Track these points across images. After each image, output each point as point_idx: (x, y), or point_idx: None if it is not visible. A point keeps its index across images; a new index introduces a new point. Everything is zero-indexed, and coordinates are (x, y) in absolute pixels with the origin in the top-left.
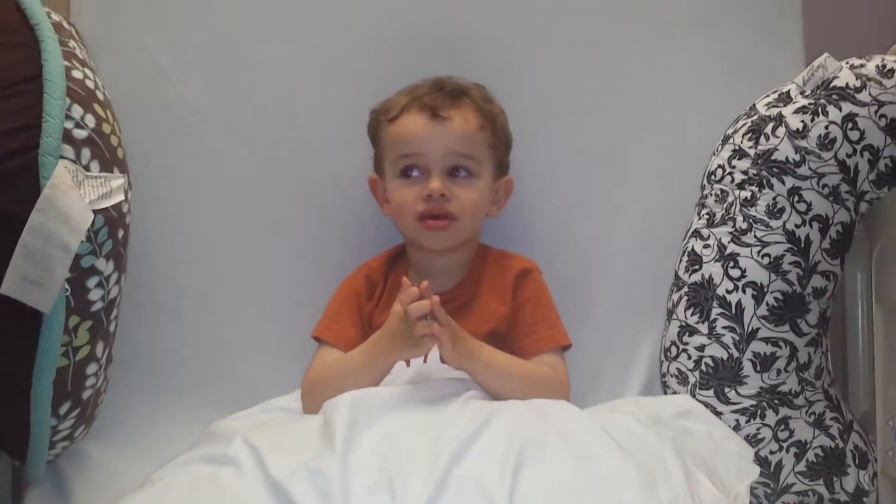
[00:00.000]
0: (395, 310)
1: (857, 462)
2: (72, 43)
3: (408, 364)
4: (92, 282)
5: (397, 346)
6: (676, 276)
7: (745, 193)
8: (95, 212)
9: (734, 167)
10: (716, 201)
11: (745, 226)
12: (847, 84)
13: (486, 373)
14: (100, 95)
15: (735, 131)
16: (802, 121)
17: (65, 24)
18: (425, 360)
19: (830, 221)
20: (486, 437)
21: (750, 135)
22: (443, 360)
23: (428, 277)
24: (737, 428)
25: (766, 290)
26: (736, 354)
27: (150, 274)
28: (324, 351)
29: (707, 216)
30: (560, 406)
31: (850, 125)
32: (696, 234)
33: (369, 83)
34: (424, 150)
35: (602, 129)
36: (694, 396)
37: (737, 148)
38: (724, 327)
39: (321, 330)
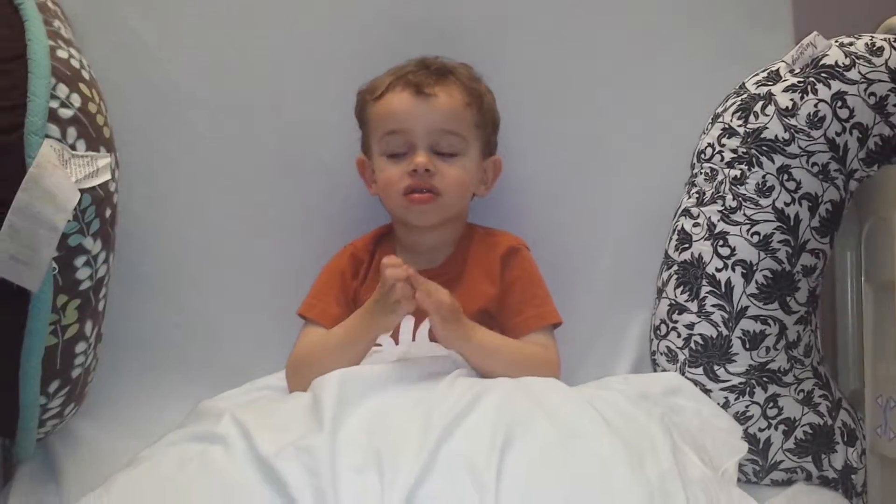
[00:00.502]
0: (383, 264)
1: (845, 439)
2: (56, 22)
3: (396, 342)
4: (80, 261)
5: (374, 315)
6: (666, 255)
7: (735, 172)
8: (82, 191)
9: (724, 146)
10: (705, 180)
11: (734, 204)
12: (836, 62)
13: (479, 354)
14: (85, 75)
15: (724, 110)
16: (792, 99)
17: (49, 3)
18: (414, 338)
19: (820, 200)
20: (474, 415)
21: (739, 113)
22: (433, 340)
23: (415, 255)
24: (726, 405)
25: (755, 268)
26: (725, 332)
27: (139, 253)
28: (308, 329)
29: (697, 195)
30: (548, 383)
31: (839, 103)
32: (686, 212)
33: (357, 65)
34: (409, 126)
35: (592, 111)
36: (683, 374)
37: (726, 126)
38: (714, 305)
39: (305, 308)
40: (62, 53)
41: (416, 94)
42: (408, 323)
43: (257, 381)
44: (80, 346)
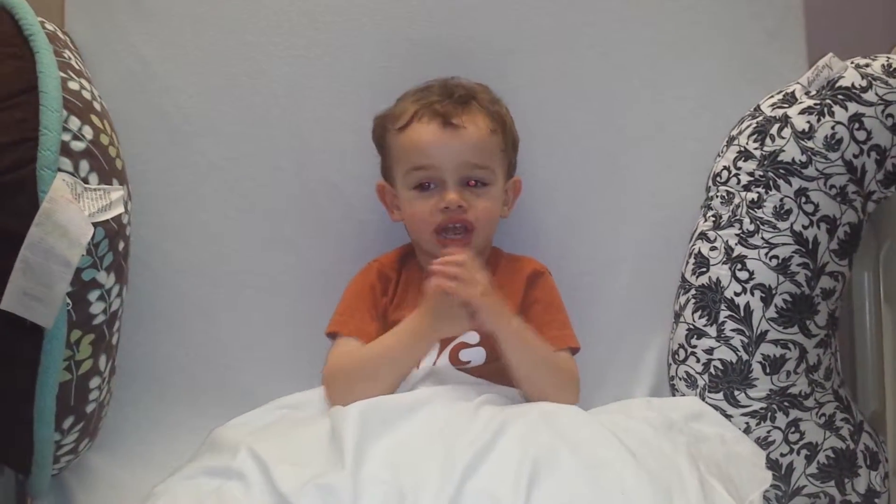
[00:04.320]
0: (428, 289)
1: (868, 463)
2: (67, 53)
3: (417, 366)
4: (93, 295)
5: (439, 321)
6: (683, 279)
7: (752, 195)
8: (95, 224)
9: (740, 169)
10: (722, 203)
11: (752, 227)
12: (853, 84)
13: (515, 340)
14: (97, 106)
15: (740, 132)
16: (808, 121)
17: (59, 33)
18: (435, 362)
19: (838, 222)
20: (498, 450)
21: (755, 136)
22: (455, 364)
23: None
24: (747, 431)
25: (774, 291)
26: (745, 357)
27: (152, 284)
28: (345, 342)
29: (713, 218)
30: (570, 413)
31: (856, 125)
32: (703, 236)
33: (371, 89)
34: (438, 162)
35: (607, 133)
36: (703, 400)
37: (742, 149)
38: (733, 330)
39: (338, 325)
40: (73, 85)
41: (443, 126)
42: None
43: (274, 402)
44: (95, 381)
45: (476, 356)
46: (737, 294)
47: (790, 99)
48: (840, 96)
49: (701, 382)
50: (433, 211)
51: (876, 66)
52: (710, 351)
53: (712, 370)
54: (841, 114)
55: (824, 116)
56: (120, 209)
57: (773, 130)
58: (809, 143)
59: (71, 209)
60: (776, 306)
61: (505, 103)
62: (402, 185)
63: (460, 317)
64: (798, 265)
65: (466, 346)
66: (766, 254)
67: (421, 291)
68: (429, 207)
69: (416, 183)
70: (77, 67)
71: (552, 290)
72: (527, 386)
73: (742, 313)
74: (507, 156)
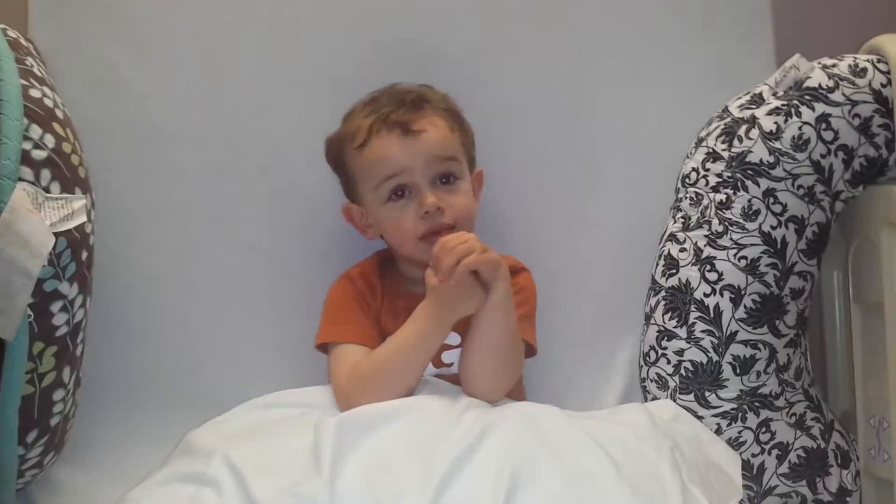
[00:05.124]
0: (430, 282)
1: (839, 462)
2: (29, 60)
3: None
4: (56, 306)
5: (459, 300)
6: (653, 281)
7: (720, 196)
8: (57, 234)
9: (708, 170)
10: (691, 205)
11: (720, 229)
12: (820, 84)
13: (503, 303)
14: (59, 114)
15: (708, 134)
16: (776, 122)
17: (22, 40)
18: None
19: (806, 222)
20: (477, 458)
21: (723, 137)
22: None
23: (421, 286)
24: (718, 432)
25: (743, 292)
26: (715, 358)
27: (119, 293)
28: (348, 349)
29: (682, 220)
30: (554, 415)
31: (823, 125)
32: (672, 237)
33: (341, 94)
34: (407, 167)
35: (576, 135)
36: (674, 401)
37: (710, 151)
38: (703, 331)
39: (336, 334)
40: (35, 93)
41: (404, 135)
42: None
43: (249, 402)
44: (59, 394)
45: (457, 358)
46: (706, 295)
47: (758, 100)
48: (807, 97)
49: (672, 384)
50: (415, 220)
51: (843, 67)
52: (680, 352)
53: (683, 371)
54: (808, 114)
55: (791, 117)
56: (82, 218)
57: (741, 131)
58: (777, 144)
59: (32, 219)
60: (745, 307)
61: (472, 105)
62: (374, 200)
63: (477, 292)
64: (767, 265)
65: (449, 347)
66: (735, 255)
67: (410, 298)
68: (410, 216)
69: (390, 193)
70: (39, 75)
71: (529, 285)
72: (481, 362)
73: (712, 314)
74: (468, 149)
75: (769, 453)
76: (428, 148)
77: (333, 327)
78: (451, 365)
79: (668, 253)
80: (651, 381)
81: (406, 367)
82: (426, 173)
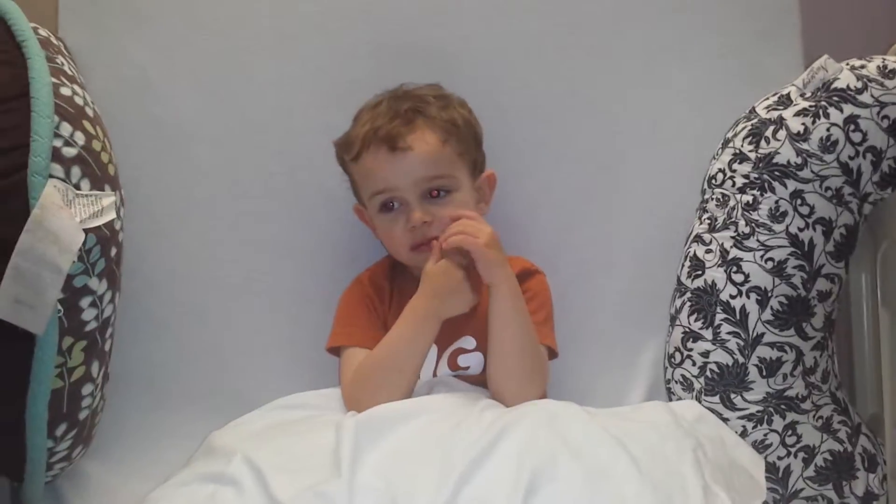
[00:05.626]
0: (427, 270)
1: (866, 465)
2: (60, 59)
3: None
4: (85, 301)
5: (444, 297)
6: (679, 282)
7: (747, 197)
8: (87, 231)
9: (735, 171)
10: (717, 206)
11: (747, 230)
12: (848, 85)
13: (510, 299)
14: (89, 112)
15: (735, 135)
16: (803, 123)
17: (52, 39)
18: (435, 374)
19: (834, 224)
20: (496, 456)
21: (750, 138)
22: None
23: None
24: (744, 434)
25: (770, 294)
26: (741, 360)
27: (146, 289)
28: (354, 353)
29: (708, 221)
30: (573, 412)
31: (851, 127)
32: (698, 238)
33: (362, 94)
34: (394, 184)
35: (600, 134)
36: (700, 402)
37: (737, 152)
38: (729, 333)
39: (341, 337)
40: (65, 91)
41: (391, 151)
42: (430, 356)
43: (270, 403)
44: (87, 388)
45: (475, 361)
46: (732, 297)
47: (785, 101)
48: (835, 98)
49: (697, 386)
50: (403, 232)
51: (871, 68)
52: (706, 354)
53: (708, 373)
54: (836, 116)
55: (819, 118)
56: (112, 215)
57: (769, 132)
58: (805, 146)
59: (62, 215)
60: (772, 309)
61: (488, 104)
62: (370, 207)
63: (464, 289)
64: (794, 267)
65: (464, 351)
66: (762, 256)
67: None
68: (399, 229)
69: (380, 205)
70: (70, 73)
71: (542, 289)
72: (501, 364)
73: (738, 316)
74: (467, 157)
75: (795, 456)
76: (415, 166)
77: (342, 331)
78: (467, 368)
79: (694, 254)
80: (676, 382)
81: (398, 365)
82: (414, 190)
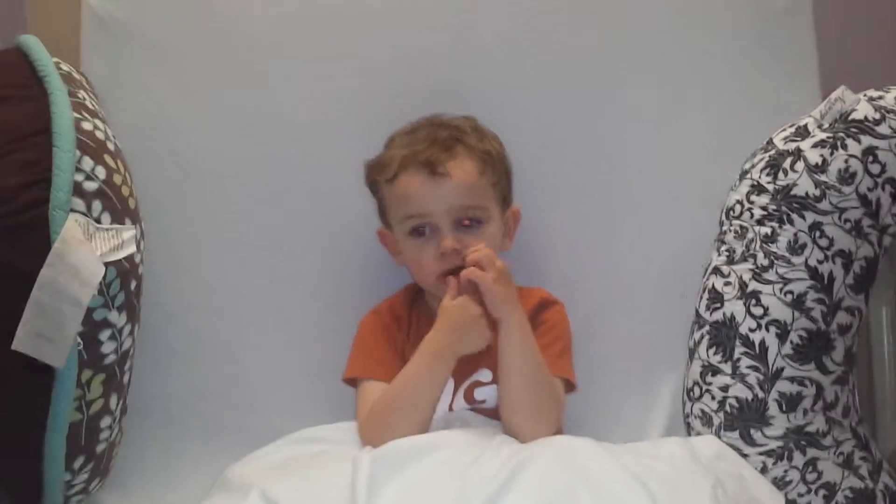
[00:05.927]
0: (444, 305)
1: (887, 503)
2: (81, 93)
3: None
4: (104, 335)
5: (459, 334)
6: (697, 315)
7: (766, 230)
8: (107, 264)
9: (753, 203)
10: (735, 238)
11: (766, 262)
12: (866, 116)
13: (518, 336)
14: (110, 146)
15: (753, 166)
16: (821, 155)
17: (74, 74)
18: (451, 408)
19: (853, 256)
20: (514, 492)
21: (768, 170)
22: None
23: None
24: (763, 470)
25: (789, 328)
26: (761, 395)
27: (165, 322)
28: (370, 386)
29: (727, 253)
30: (591, 448)
31: (870, 158)
32: (717, 271)
33: (387, 127)
34: (429, 210)
35: (617, 166)
36: (719, 438)
37: (755, 183)
38: (748, 367)
39: (358, 369)
40: (87, 125)
41: (430, 175)
42: (447, 388)
43: (288, 436)
44: (106, 421)
45: (491, 395)
46: (752, 330)
47: (803, 132)
48: (853, 129)
49: (716, 420)
50: (432, 259)
51: (889, 99)
52: (725, 388)
53: (728, 408)
54: (854, 147)
55: (837, 150)
56: (132, 249)
57: (786, 164)
58: (823, 177)
59: (83, 249)
60: (792, 342)
61: (503, 136)
62: (399, 231)
63: (480, 327)
64: (813, 300)
65: (481, 384)
66: (781, 289)
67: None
68: (428, 255)
69: (411, 229)
70: (91, 108)
71: (560, 319)
72: (508, 399)
73: (757, 350)
74: (499, 189)
75: (816, 493)
76: (452, 193)
77: (358, 363)
78: (483, 401)
79: (713, 287)
80: (695, 417)
81: (413, 401)
82: (448, 217)
